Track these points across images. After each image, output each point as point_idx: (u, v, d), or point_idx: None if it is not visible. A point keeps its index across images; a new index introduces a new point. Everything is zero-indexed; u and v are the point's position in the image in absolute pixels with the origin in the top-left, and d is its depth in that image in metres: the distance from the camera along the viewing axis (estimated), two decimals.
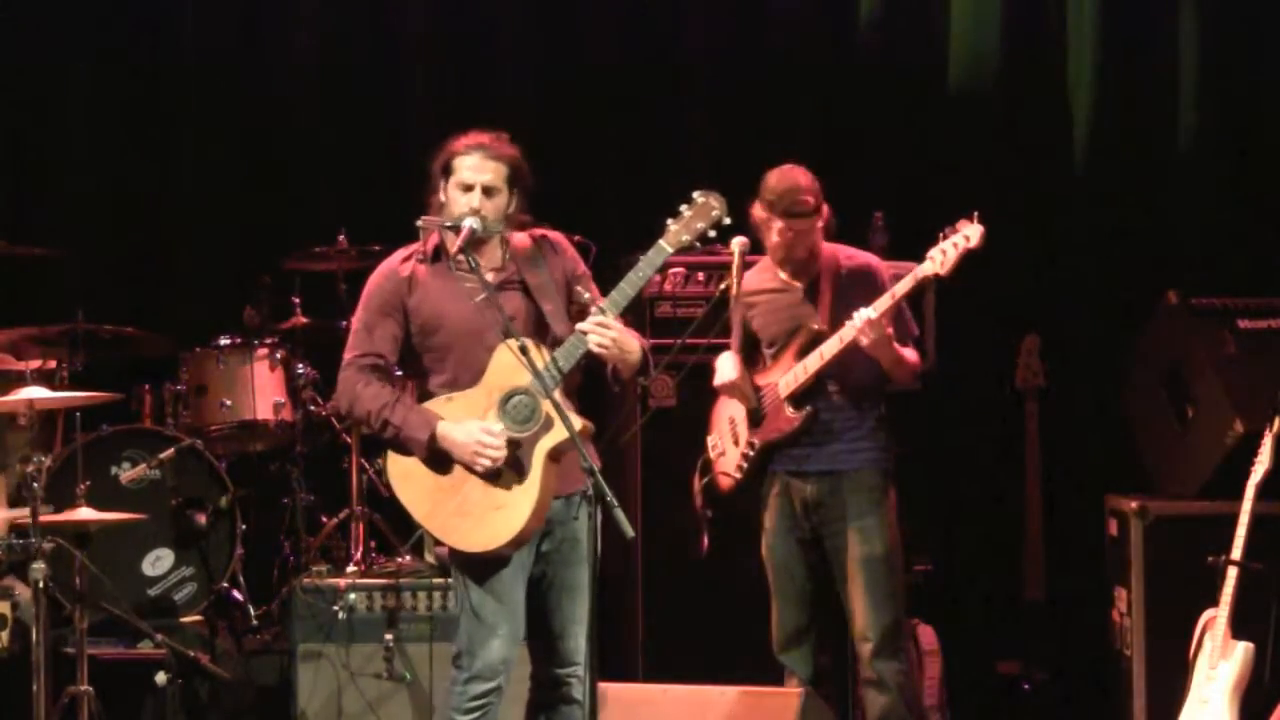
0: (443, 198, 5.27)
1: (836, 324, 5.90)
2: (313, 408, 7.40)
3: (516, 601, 5.23)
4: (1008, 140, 8.12)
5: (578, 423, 5.10)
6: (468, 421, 5.14)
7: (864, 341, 5.79)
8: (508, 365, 5.14)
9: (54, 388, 6.89)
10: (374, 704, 6.56)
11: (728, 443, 6.19)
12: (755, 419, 6.08)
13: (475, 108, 7.84)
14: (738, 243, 6.13)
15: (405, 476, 5.24)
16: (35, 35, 8.04)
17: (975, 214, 5.79)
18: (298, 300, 7.61)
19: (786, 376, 5.99)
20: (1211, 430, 6.63)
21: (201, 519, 7.19)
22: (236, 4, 8.18)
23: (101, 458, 7.12)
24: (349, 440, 7.29)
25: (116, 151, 8.11)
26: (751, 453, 6.08)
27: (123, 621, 6.65)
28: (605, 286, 5.23)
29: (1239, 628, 5.74)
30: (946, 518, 7.81)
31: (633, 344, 5.21)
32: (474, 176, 5.22)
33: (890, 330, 5.85)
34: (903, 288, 5.83)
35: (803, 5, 8.18)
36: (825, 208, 6.04)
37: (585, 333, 5.10)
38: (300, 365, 7.44)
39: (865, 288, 5.96)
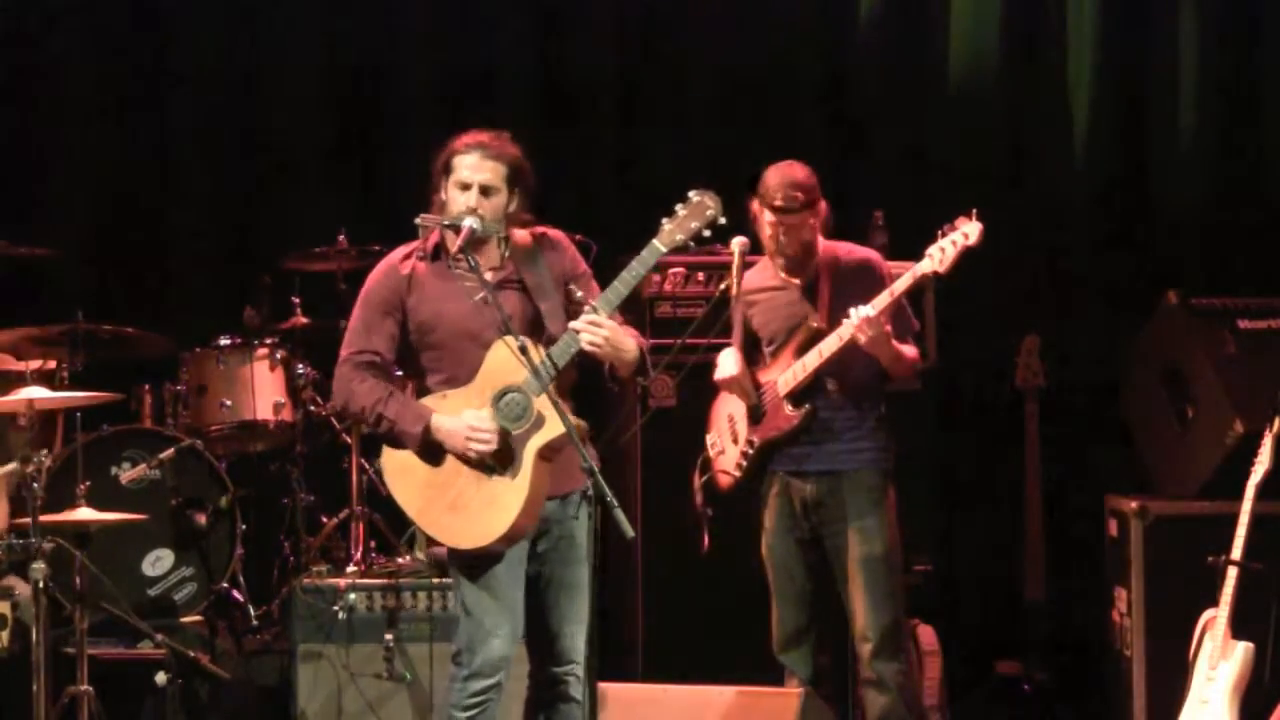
0: (443, 196, 5.28)
1: (835, 321, 5.90)
2: (313, 408, 7.40)
3: (515, 599, 5.24)
4: (1008, 140, 8.13)
5: (569, 422, 5.11)
6: (459, 412, 5.16)
7: (861, 339, 5.80)
8: (502, 363, 5.15)
9: (54, 388, 6.89)
10: (374, 704, 6.56)
11: (727, 441, 6.19)
12: (755, 417, 6.08)
13: (475, 107, 7.86)
14: (738, 243, 6.13)
15: (399, 473, 5.26)
16: (35, 35, 8.04)
17: (974, 212, 5.79)
18: (298, 300, 7.61)
19: (785, 375, 5.99)
20: (1211, 430, 6.63)
21: (201, 519, 7.19)
22: (237, 4, 8.17)
23: (101, 458, 7.11)
24: (349, 440, 7.29)
25: (116, 151, 8.11)
26: (751, 451, 6.08)
27: (123, 621, 6.64)
28: (605, 286, 5.23)
29: (1239, 628, 5.74)
30: (946, 518, 7.81)
31: (628, 342, 5.21)
32: (472, 175, 5.23)
33: (888, 328, 5.85)
34: (901, 285, 5.83)
35: (803, 5, 8.18)
36: (822, 204, 6.03)
37: (578, 331, 5.11)
38: (300, 365, 7.44)
39: (865, 283, 5.95)
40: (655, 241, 5.20)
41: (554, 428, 5.12)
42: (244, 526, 7.27)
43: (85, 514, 6.19)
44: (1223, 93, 8.02)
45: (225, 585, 7.23)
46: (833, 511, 6.01)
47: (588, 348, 5.12)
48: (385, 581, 6.66)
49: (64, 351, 7.15)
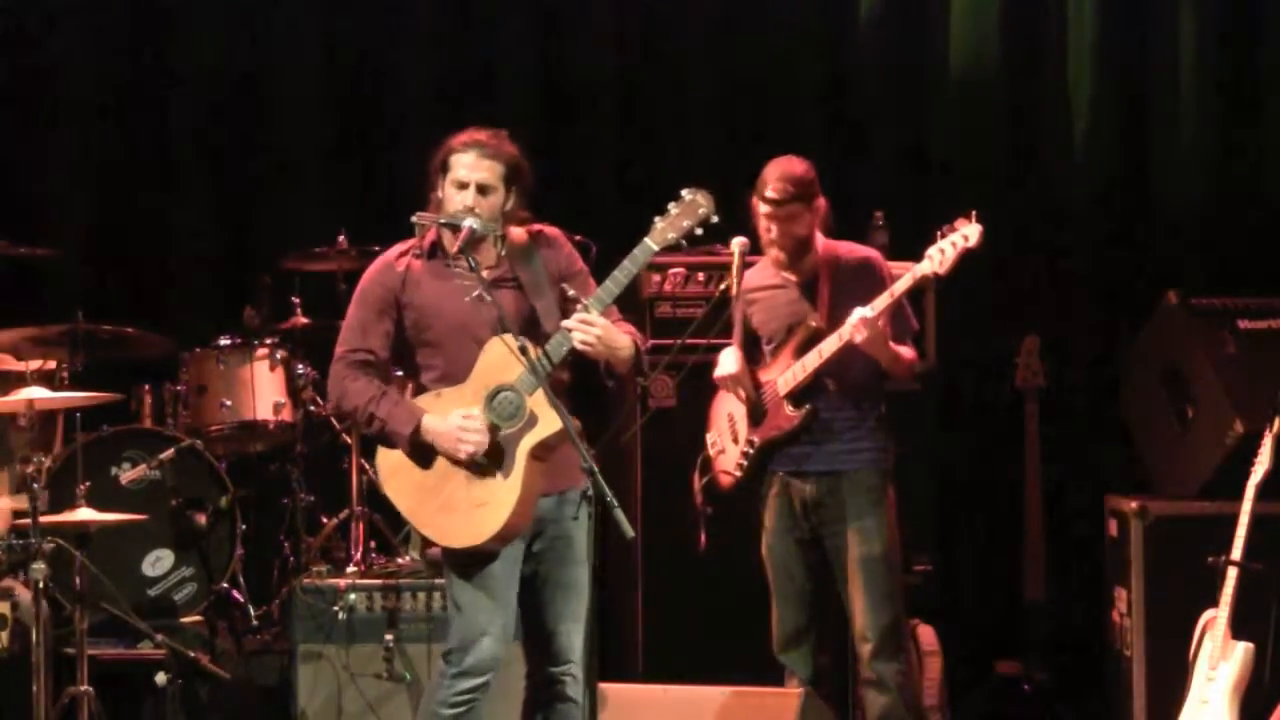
0: (440, 194, 5.28)
1: (835, 321, 5.90)
2: (313, 408, 7.39)
3: (508, 599, 5.23)
4: (1008, 140, 8.13)
5: (560, 421, 5.10)
6: (449, 411, 5.16)
7: (858, 339, 5.80)
8: (495, 362, 5.15)
9: (54, 388, 6.89)
10: (374, 704, 6.56)
11: (727, 441, 6.19)
12: (755, 417, 6.07)
13: (475, 107, 7.86)
14: (738, 243, 6.13)
15: (393, 472, 5.26)
16: (36, 35, 8.04)
17: (973, 213, 5.79)
18: (298, 300, 7.61)
19: (785, 375, 5.99)
20: (1211, 430, 6.63)
21: (201, 519, 7.19)
22: (237, 4, 8.17)
23: (101, 458, 7.11)
24: (349, 440, 7.29)
25: (117, 151, 8.11)
26: (751, 451, 6.08)
27: (123, 621, 6.65)
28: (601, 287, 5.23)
29: (1239, 628, 5.74)
30: (946, 518, 7.81)
31: (621, 340, 5.21)
32: (469, 174, 5.22)
33: (885, 329, 5.85)
34: (901, 286, 5.84)
35: (803, 5, 8.18)
36: (820, 201, 6.02)
37: (569, 330, 5.11)
38: (300, 365, 7.44)
39: (865, 283, 5.95)
40: (647, 240, 5.20)
41: (547, 427, 5.12)
42: (244, 526, 7.27)
43: (85, 514, 6.19)
44: (1223, 93, 8.02)
45: (225, 585, 7.23)
46: (832, 511, 6.01)
47: (580, 346, 5.12)
48: (385, 581, 6.66)
49: (64, 351, 7.15)
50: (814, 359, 5.93)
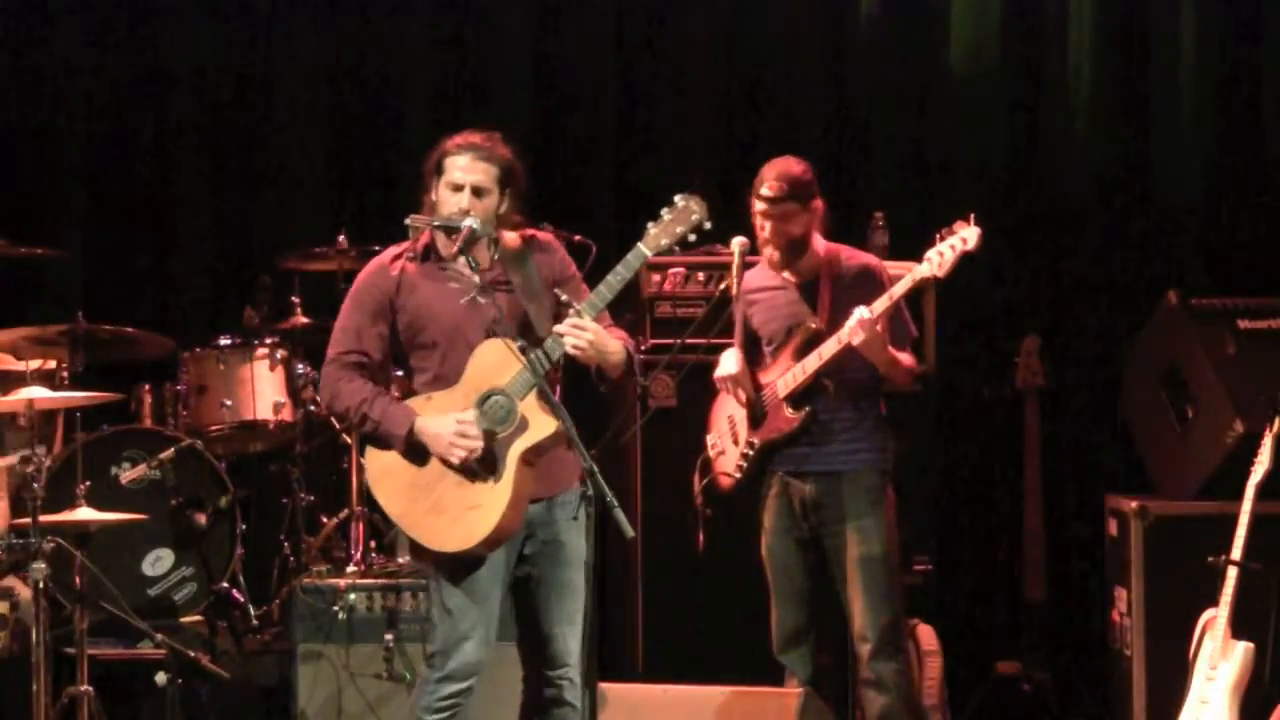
0: (434, 197, 5.27)
1: (835, 323, 5.90)
2: (313, 408, 7.39)
3: (493, 604, 5.22)
4: (1008, 140, 8.13)
5: (552, 426, 5.11)
6: (443, 414, 5.15)
7: (856, 341, 5.79)
8: (487, 366, 5.15)
9: (54, 388, 6.89)
10: (374, 704, 6.56)
11: (727, 442, 6.19)
12: (755, 418, 6.08)
13: (475, 107, 7.87)
14: (738, 243, 6.14)
15: (382, 475, 5.25)
16: (36, 35, 8.04)
17: (972, 216, 5.79)
18: (298, 300, 7.61)
19: (785, 377, 5.99)
20: (1211, 430, 6.63)
21: (201, 519, 7.19)
22: (237, 4, 8.18)
23: (101, 458, 7.11)
24: (349, 440, 7.29)
25: (117, 152, 8.11)
26: (751, 452, 6.08)
27: (123, 621, 6.64)
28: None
29: (1239, 628, 5.74)
30: (946, 518, 7.81)
31: (613, 344, 5.20)
32: (464, 177, 5.22)
33: (883, 331, 5.84)
34: (900, 289, 5.83)
35: (803, 4, 8.18)
36: (817, 203, 6.02)
37: (561, 335, 5.10)
38: (300, 365, 7.44)
39: (866, 288, 5.95)
40: (640, 245, 5.19)
41: (538, 431, 5.11)
42: (244, 526, 7.27)
43: (85, 514, 6.19)
44: (1222, 93, 8.02)
45: (225, 585, 7.23)
46: (831, 512, 6.01)
47: (571, 351, 5.11)
48: (385, 581, 6.66)
49: (64, 351, 7.15)
50: (814, 361, 5.93)
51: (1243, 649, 5.72)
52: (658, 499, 6.76)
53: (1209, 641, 5.75)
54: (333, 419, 7.40)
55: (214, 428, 7.37)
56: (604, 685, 5.43)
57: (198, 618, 7.16)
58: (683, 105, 8.17)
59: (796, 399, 5.99)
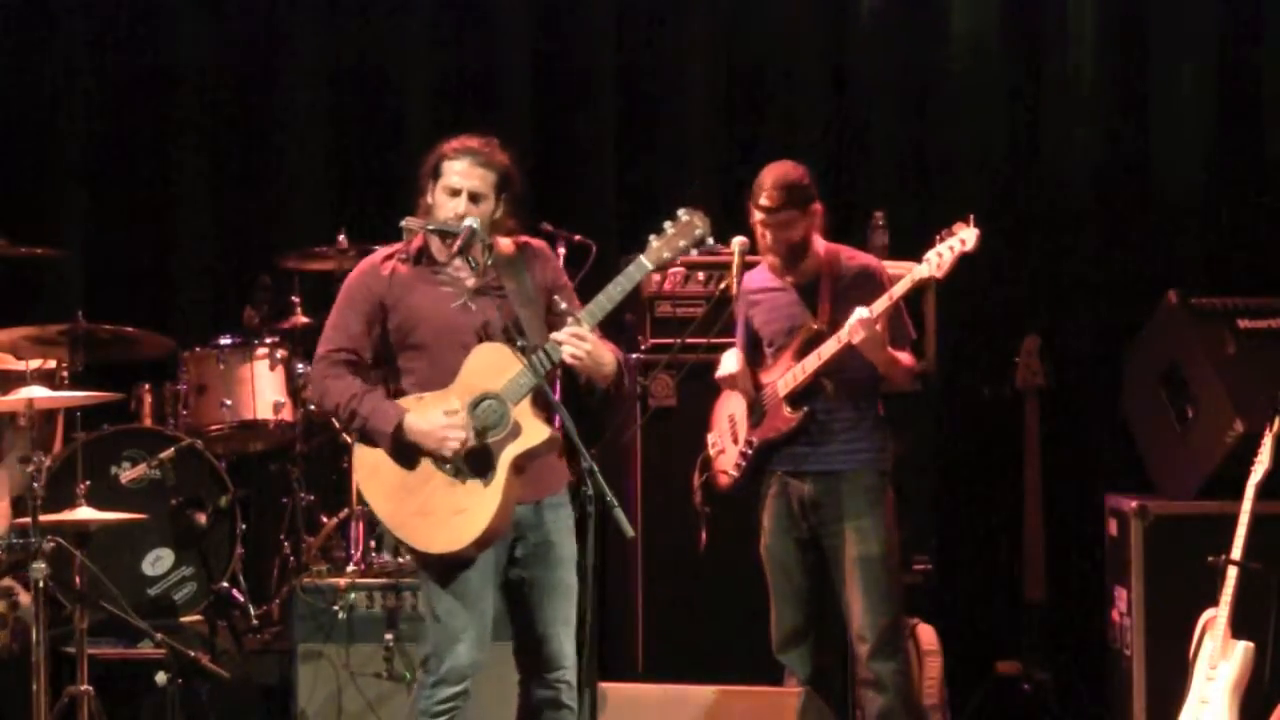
0: (429, 200, 5.27)
1: (835, 324, 5.90)
2: (313, 407, 7.39)
3: (483, 607, 5.21)
4: (1008, 140, 8.13)
5: (544, 433, 5.11)
6: (431, 410, 5.14)
7: (856, 340, 5.80)
8: (480, 369, 5.14)
9: (54, 388, 6.88)
10: (374, 704, 6.56)
11: (727, 441, 6.19)
12: (754, 418, 6.08)
13: (475, 107, 7.87)
14: (738, 242, 6.14)
15: (370, 474, 5.24)
16: (36, 35, 8.04)
17: (971, 217, 5.79)
18: (298, 300, 7.61)
19: (785, 376, 6.00)
20: (1211, 430, 6.62)
21: (201, 519, 7.19)
22: (237, 3, 8.18)
23: (101, 457, 7.11)
24: (349, 440, 7.28)
25: (117, 151, 8.11)
26: (750, 451, 6.08)
27: (123, 621, 6.64)
28: (601, 287, 5.22)
29: (1239, 628, 5.74)
30: (946, 518, 7.81)
31: (607, 356, 5.20)
32: (461, 181, 5.21)
33: (883, 331, 5.84)
34: (899, 289, 5.84)
35: (803, 4, 8.18)
36: (816, 205, 6.02)
37: (560, 342, 5.10)
38: (300, 365, 7.43)
39: (866, 289, 5.95)
40: (642, 258, 5.19)
41: (531, 437, 5.11)
42: (244, 526, 7.27)
43: (85, 514, 6.19)
44: (1223, 93, 8.02)
45: (225, 585, 7.23)
46: (830, 511, 6.01)
47: (569, 359, 5.11)
48: (385, 581, 6.66)
49: (64, 351, 7.15)
50: (813, 361, 5.93)
51: (1243, 649, 5.72)
52: (658, 499, 6.77)
53: (1209, 641, 5.75)
54: (333, 419, 7.40)
55: (214, 427, 7.37)
56: (604, 685, 5.42)
57: (198, 617, 7.15)
58: (683, 105, 8.17)
59: (796, 398, 5.99)
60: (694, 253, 5.22)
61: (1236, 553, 5.73)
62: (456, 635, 5.17)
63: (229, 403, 7.37)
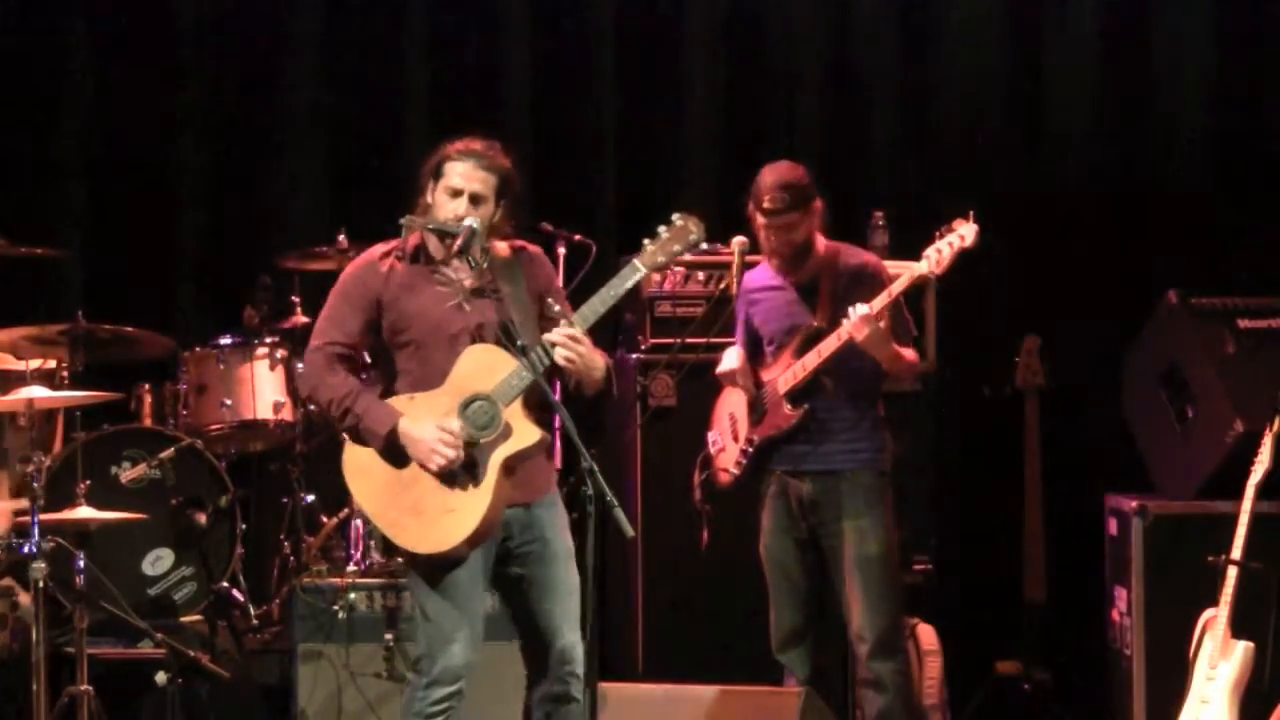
0: (429, 200, 5.27)
1: (835, 322, 5.90)
2: (313, 407, 7.39)
3: (474, 606, 5.21)
4: (1008, 139, 8.13)
5: (535, 435, 5.12)
6: (426, 420, 5.13)
7: (858, 337, 5.80)
8: (473, 370, 5.14)
9: (54, 387, 6.88)
10: (374, 704, 6.56)
11: (728, 439, 6.19)
12: (755, 415, 6.08)
13: (475, 107, 7.87)
14: (737, 242, 6.15)
15: (360, 472, 5.24)
16: (36, 34, 8.04)
17: (970, 213, 5.79)
18: (298, 300, 7.61)
19: (785, 374, 6.00)
20: (1211, 430, 6.62)
21: (201, 519, 7.18)
22: (237, 4, 8.17)
23: (101, 457, 7.11)
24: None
25: (116, 151, 8.11)
26: (750, 449, 6.08)
27: (123, 621, 6.64)
28: (601, 287, 5.22)
29: (1239, 628, 5.74)
30: (946, 518, 7.80)
31: (598, 361, 5.19)
32: (464, 183, 5.22)
33: (886, 326, 5.85)
34: (898, 287, 5.84)
35: (803, 3, 8.18)
36: (816, 204, 6.02)
37: (554, 344, 5.10)
38: (300, 365, 7.43)
39: (866, 287, 5.95)
40: (636, 261, 5.20)
41: (521, 440, 5.11)
42: (244, 526, 7.27)
43: (85, 513, 6.19)
44: (1222, 92, 8.02)
45: (225, 585, 7.23)
46: (829, 511, 6.01)
47: (562, 362, 5.11)
48: (385, 581, 6.66)
49: (64, 351, 7.15)
50: (813, 359, 5.93)
51: (1243, 649, 5.72)
52: (658, 499, 6.77)
53: (1209, 641, 5.75)
54: (324, 414, 7.39)
55: (214, 427, 7.37)
56: (604, 685, 5.42)
57: (198, 617, 7.15)
58: (683, 105, 8.17)
59: (796, 396, 5.99)
60: (687, 257, 5.23)
61: (1236, 553, 5.73)
62: (449, 635, 5.17)
63: (229, 403, 7.37)
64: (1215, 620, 5.75)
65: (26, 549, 5.88)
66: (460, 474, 5.11)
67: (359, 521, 7.08)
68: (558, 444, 5.82)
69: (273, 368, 7.41)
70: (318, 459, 7.51)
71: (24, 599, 6.50)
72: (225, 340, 7.45)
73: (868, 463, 6.03)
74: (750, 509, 6.14)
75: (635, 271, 5.18)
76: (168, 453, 7.14)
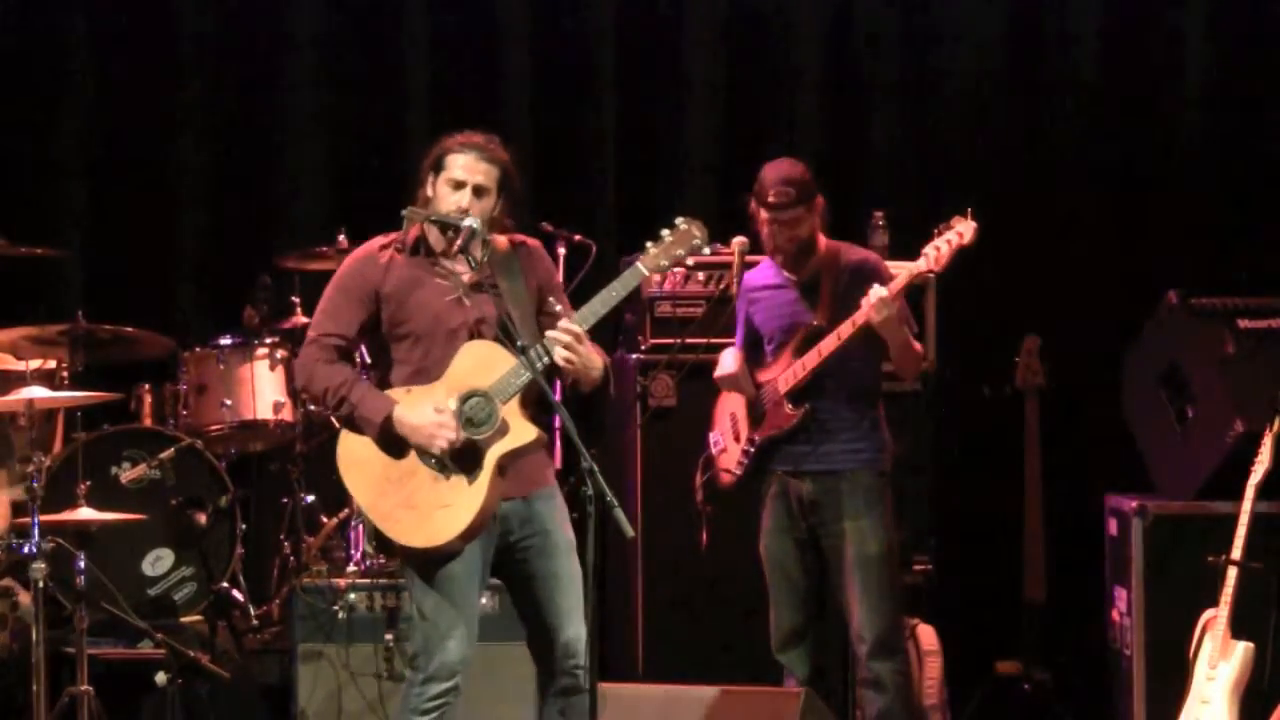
0: (429, 192, 5.27)
1: (835, 321, 5.90)
2: (313, 407, 7.39)
3: (470, 602, 5.20)
4: (1008, 139, 8.13)
5: (532, 433, 5.11)
6: (422, 405, 5.13)
7: (875, 319, 5.77)
8: (471, 365, 5.14)
9: (54, 388, 6.89)
10: (374, 704, 6.56)
11: (729, 439, 6.19)
12: (755, 416, 6.08)
13: (475, 107, 7.87)
14: (737, 242, 6.15)
15: (354, 464, 5.23)
16: (36, 34, 8.04)
17: (969, 211, 5.79)
18: (298, 300, 7.61)
19: (785, 373, 6.00)
20: (1211, 430, 6.62)
21: (201, 519, 7.19)
22: (237, 4, 8.17)
23: (101, 457, 7.11)
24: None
25: (116, 151, 8.11)
26: (751, 449, 6.08)
27: (123, 621, 6.64)
28: (601, 287, 5.22)
29: (1239, 628, 5.74)
30: (946, 518, 7.80)
31: (596, 360, 5.19)
32: (466, 175, 5.21)
33: (902, 310, 5.84)
34: (898, 284, 5.84)
35: (803, 2, 8.18)
36: (819, 200, 6.02)
37: (554, 341, 5.09)
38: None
39: (867, 283, 5.94)
40: (638, 264, 5.20)
41: (518, 437, 5.11)
42: (244, 526, 7.27)
43: (85, 514, 6.19)
44: (1223, 92, 8.02)
45: (225, 585, 7.23)
46: (829, 511, 6.01)
47: (561, 361, 5.10)
48: (385, 581, 6.66)
49: (64, 351, 7.15)
50: (813, 358, 5.93)
51: (1243, 649, 5.72)
52: (658, 499, 6.77)
53: (1209, 641, 5.75)
54: (333, 419, 7.38)
55: (214, 427, 7.37)
56: (604, 685, 5.41)
57: (198, 618, 7.16)
58: (683, 105, 8.17)
59: (796, 396, 5.99)
60: (690, 261, 5.24)
61: (1236, 553, 5.73)
62: (446, 632, 5.17)
63: (229, 403, 7.37)
64: (1215, 620, 5.75)
65: (26, 549, 5.89)
66: (456, 469, 5.11)
67: (359, 522, 7.09)
68: (557, 444, 5.83)
69: (273, 368, 7.41)
70: (318, 459, 7.50)
71: (24, 599, 6.51)
72: (225, 340, 7.45)
73: (868, 463, 6.03)
74: (750, 509, 6.14)
75: (637, 274, 5.18)
76: (168, 453, 7.14)
